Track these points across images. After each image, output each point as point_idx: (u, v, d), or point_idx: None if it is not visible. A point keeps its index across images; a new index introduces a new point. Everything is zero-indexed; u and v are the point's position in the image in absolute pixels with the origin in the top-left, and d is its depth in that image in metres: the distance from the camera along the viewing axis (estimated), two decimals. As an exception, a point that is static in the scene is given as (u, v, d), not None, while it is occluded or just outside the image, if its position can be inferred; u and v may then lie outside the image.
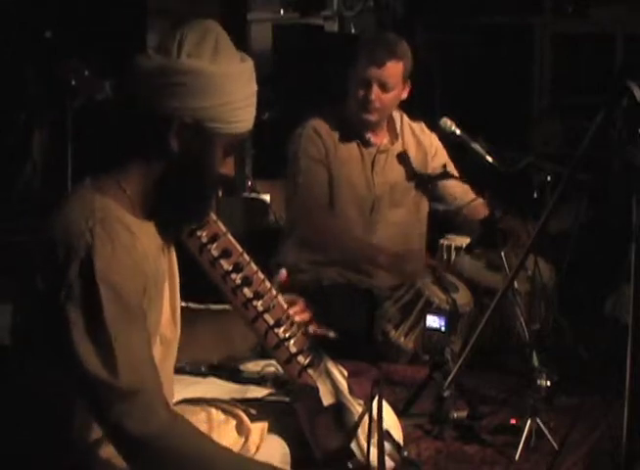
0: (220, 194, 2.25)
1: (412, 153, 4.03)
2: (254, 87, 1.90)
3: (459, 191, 4.03)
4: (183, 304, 2.07)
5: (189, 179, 1.89)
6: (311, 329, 2.18)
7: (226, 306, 2.18)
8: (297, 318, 2.15)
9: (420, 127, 4.09)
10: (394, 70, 3.83)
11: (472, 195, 4.00)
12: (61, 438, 1.86)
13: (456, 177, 3.97)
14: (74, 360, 1.75)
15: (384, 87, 3.83)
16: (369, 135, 3.95)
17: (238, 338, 2.19)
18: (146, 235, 1.89)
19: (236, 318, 2.12)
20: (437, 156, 4.06)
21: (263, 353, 3.02)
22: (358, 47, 3.97)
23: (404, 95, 3.92)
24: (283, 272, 2.18)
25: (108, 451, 1.85)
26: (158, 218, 1.93)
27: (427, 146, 4.06)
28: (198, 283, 2.06)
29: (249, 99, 1.89)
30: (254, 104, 1.90)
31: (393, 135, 4.02)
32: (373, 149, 3.99)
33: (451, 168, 3.99)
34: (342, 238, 3.95)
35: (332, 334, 2.24)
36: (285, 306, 2.14)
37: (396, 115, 4.03)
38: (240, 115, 1.87)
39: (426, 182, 4.04)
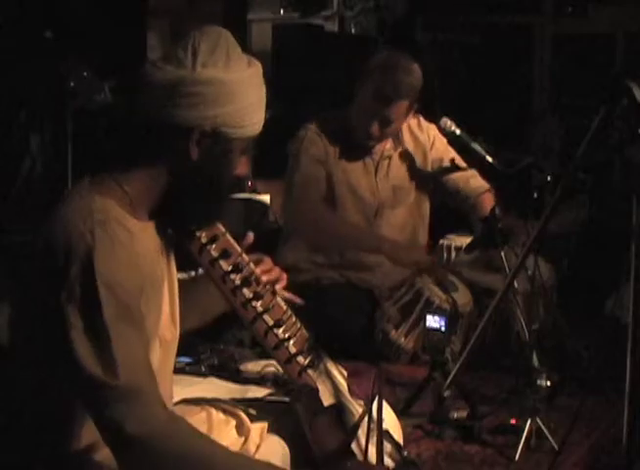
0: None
1: (411, 151, 4.03)
2: (264, 88, 1.94)
3: (466, 181, 4.00)
4: (180, 276, 2.08)
5: (207, 184, 1.92)
6: (279, 288, 2.17)
7: (192, 274, 2.19)
8: (265, 278, 2.14)
9: (416, 122, 4.06)
10: (400, 108, 3.78)
11: (480, 182, 3.97)
12: (59, 438, 1.86)
13: (463, 168, 3.94)
14: (73, 361, 1.74)
15: (386, 122, 3.80)
16: (372, 146, 3.94)
17: (207, 303, 2.18)
18: (145, 236, 1.89)
19: (202, 284, 2.13)
20: (436, 145, 4.03)
21: (263, 353, 3.03)
22: (369, 65, 3.84)
23: (407, 120, 3.90)
24: (250, 236, 2.17)
25: (106, 453, 1.85)
26: (167, 221, 1.94)
27: (424, 141, 4.04)
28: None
29: (261, 100, 1.93)
30: (264, 104, 1.94)
31: (396, 141, 4.00)
32: (376, 155, 3.98)
33: (457, 159, 3.97)
34: (343, 228, 3.93)
35: (299, 300, 2.22)
36: (285, 307, 2.14)
37: None
38: (254, 117, 1.91)
39: (432, 179, 4.03)
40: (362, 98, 3.81)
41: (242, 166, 1.96)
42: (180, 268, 2.09)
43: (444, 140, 4.02)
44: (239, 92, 1.87)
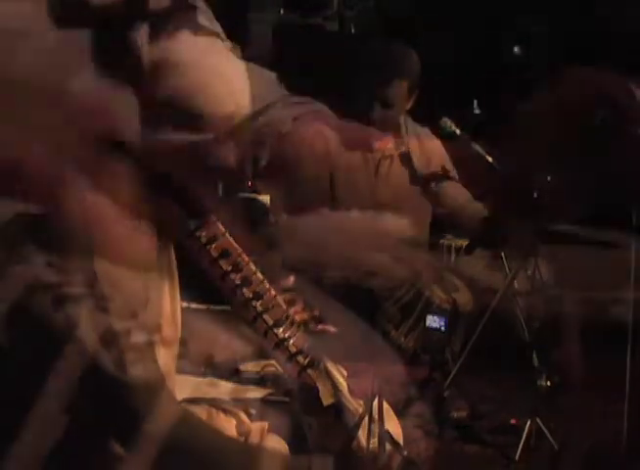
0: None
1: (415, 156, 4.02)
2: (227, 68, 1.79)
3: (459, 193, 4.01)
4: (184, 304, 2.07)
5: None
6: (312, 327, 2.18)
7: (227, 307, 2.19)
8: (298, 318, 2.15)
9: (425, 132, 4.07)
10: (398, 88, 3.79)
11: (471, 197, 3.98)
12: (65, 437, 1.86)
13: (456, 180, 3.96)
14: (78, 357, 1.74)
15: (386, 105, 3.80)
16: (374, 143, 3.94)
17: (239, 338, 2.19)
18: (142, 232, 1.88)
19: (237, 319, 2.12)
20: (442, 162, 4.03)
21: (263, 353, 3.03)
22: (364, 54, 3.92)
23: (408, 106, 3.90)
24: (291, 279, 2.19)
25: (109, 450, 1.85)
26: (152, 214, 1.92)
27: (430, 150, 4.04)
28: (199, 283, 2.06)
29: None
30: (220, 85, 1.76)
31: (399, 140, 4.00)
32: (377, 154, 3.97)
33: (452, 172, 3.98)
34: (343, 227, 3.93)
35: (332, 329, 2.24)
36: (284, 307, 2.14)
37: (401, 118, 4.01)
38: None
39: (426, 183, 4.03)
40: (361, 84, 3.82)
41: (226, 153, 1.80)
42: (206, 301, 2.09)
43: (448, 159, 4.03)
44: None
